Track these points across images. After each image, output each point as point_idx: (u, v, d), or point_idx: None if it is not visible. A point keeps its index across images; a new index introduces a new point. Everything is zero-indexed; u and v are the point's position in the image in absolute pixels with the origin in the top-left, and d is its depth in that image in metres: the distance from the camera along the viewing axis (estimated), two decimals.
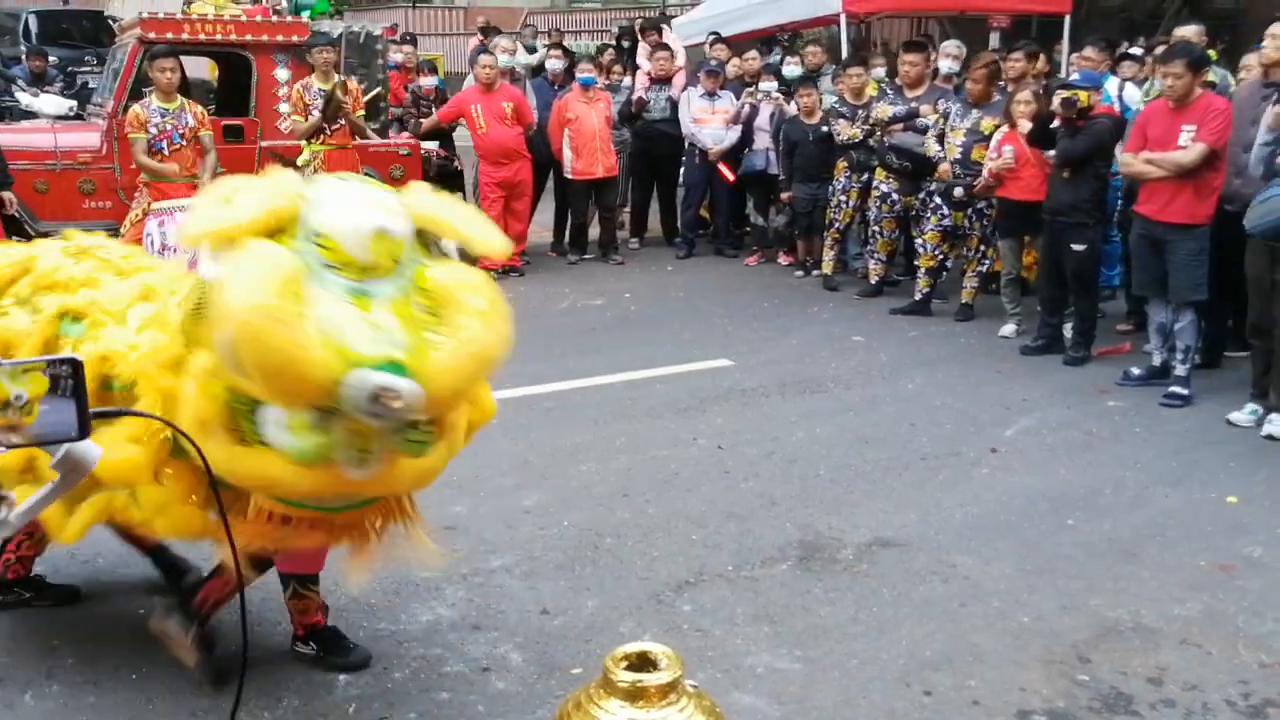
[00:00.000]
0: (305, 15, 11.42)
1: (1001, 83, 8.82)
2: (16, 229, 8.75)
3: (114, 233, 8.69)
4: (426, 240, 2.96)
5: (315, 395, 2.62)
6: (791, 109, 10.62)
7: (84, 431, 1.22)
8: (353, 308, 2.68)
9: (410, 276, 2.82)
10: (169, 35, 9.09)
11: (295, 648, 3.90)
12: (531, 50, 13.74)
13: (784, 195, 10.61)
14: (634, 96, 11.58)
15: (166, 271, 3.59)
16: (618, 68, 12.25)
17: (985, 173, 8.30)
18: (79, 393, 1.21)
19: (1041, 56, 9.82)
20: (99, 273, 3.59)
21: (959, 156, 8.62)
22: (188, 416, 2.86)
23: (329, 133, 9.18)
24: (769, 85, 10.93)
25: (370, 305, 2.71)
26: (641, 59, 12.60)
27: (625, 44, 14.70)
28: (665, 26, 15.04)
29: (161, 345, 3.10)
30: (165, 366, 3.04)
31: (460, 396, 2.87)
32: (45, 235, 8.84)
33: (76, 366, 1.21)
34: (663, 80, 11.68)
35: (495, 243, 3.00)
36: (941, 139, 8.79)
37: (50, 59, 16.63)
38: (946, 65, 9.69)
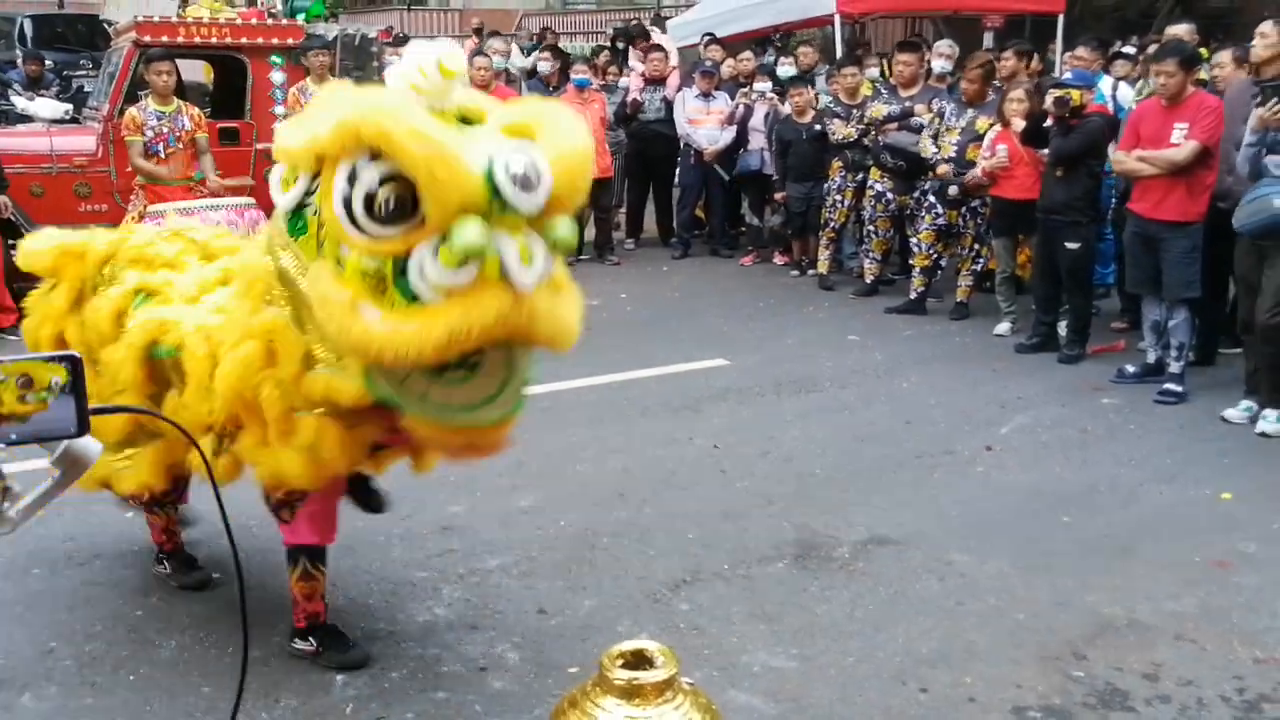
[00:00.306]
0: (300, 18, 11.42)
1: (996, 82, 8.85)
2: (13, 233, 8.75)
3: None
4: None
5: (471, 182, 2.68)
6: (786, 109, 10.64)
7: (83, 428, 1.23)
8: (459, 133, 2.82)
9: (497, 129, 2.92)
10: (164, 38, 9.08)
11: (293, 645, 3.90)
12: (527, 52, 13.75)
13: (778, 195, 10.63)
14: (629, 98, 11.59)
15: (245, 253, 3.67)
16: (613, 69, 12.26)
17: (979, 171, 8.33)
18: (78, 390, 1.22)
19: (1035, 56, 9.83)
20: (185, 255, 3.80)
21: (954, 155, 8.64)
22: (329, 309, 2.87)
23: None
24: (763, 86, 10.95)
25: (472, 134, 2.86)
26: (634, 62, 12.62)
27: (620, 45, 14.71)
28: (656, 29, 15.05)
29: (222, 324, 3.36)
30: (222, 341, 3.31)
31: (578, 184, 2.89)
32: None
33: (75, 363, 1.22)
34: (657, 81, 11.70)
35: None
36: (936, 138, 8.81)
37: (46, 63, 16.62)
38: (940, 65, 9.71)
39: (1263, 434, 6.24)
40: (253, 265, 3.36)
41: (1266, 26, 6.56)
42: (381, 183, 2.75)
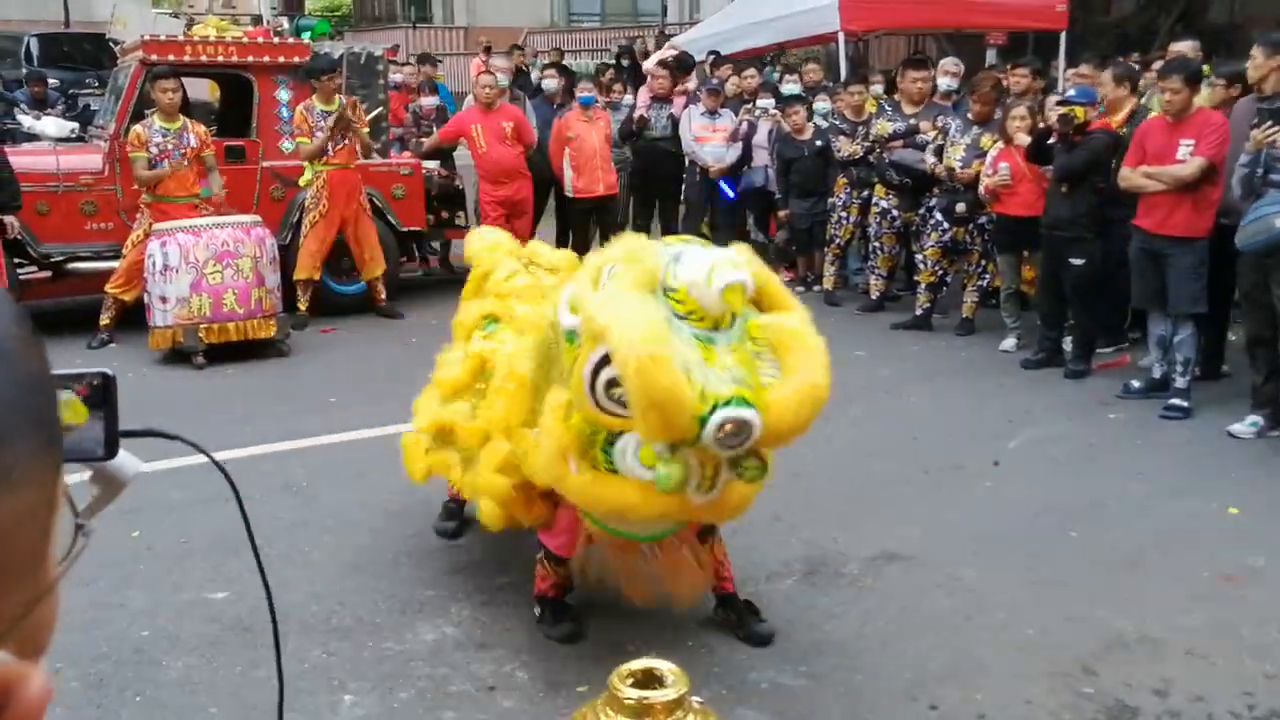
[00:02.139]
0: (306, 37, 11.47)
1: (1006, 99, 8.87)
2: (19, 252, 8.78)
3: (115, 254, 8.75)
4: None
5: (683, 428, 2.96)
6: (787, 127, 10.67)
7: (110, 452, 1.22)
8: (699, 353, 3.02)
9: (744, 326, 3.14)
10: (171, 57, 9.11)
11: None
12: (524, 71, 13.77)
13: (781, 213, 10.64)
14: (635, 114, 11.61)
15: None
16: (617, 86, 12.28)
17: (981, 189, 8.34)
18: (109, 410, 1.20)
19: (1039, 74, 9.86)
20: (528, 290, 4.38)
21: (959, 169, 8.64)
22: (547, 445, 3.40)
23: (332, 153, 9.20)
24: (766, 102, 10.96)
25: (714, 351, 3.05)
26: (650, 64, 12.63)
27: (624, 63, 14.74)
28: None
29: (521, 363, 3.84)
30: (516, 383, 3.82)
31: (795, 429, 3.14)
32: (47, 258, 8.92)
33: (109, 381, 1.20)
34: (663, 99, 11.72)
35: (803, 311, 3.31)
36: (940, 154, 8.82)
37: (51, 82, 16.67)
38: (945, 83, 9.72)
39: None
40: (543, 327, 3.69)
41: (1256, 49, 6.59)
42: (616, 385, 3.07)
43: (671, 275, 3.09)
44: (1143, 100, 9.04)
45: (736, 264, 3.13)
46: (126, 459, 1.26)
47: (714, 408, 2.93)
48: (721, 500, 3.29)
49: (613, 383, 3.06)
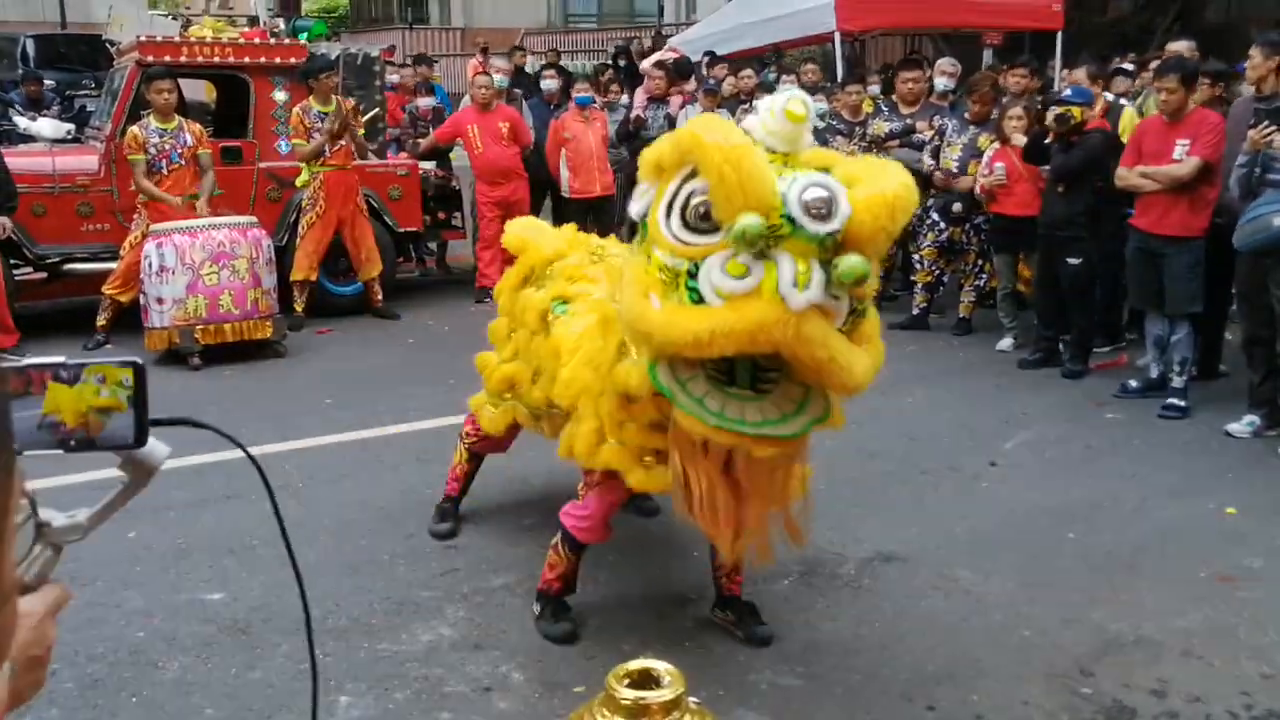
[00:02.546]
0: (303, 38, 11.46)
1: (1003, 99, 8.88)
2: (15, 253, 8.77)
3: (112, 255, 8.73)
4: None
5: (766, 196, 2.89)
6: None
7: (140, 440, 1.22)
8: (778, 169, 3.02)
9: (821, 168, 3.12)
10: (167, 58, 9.10)
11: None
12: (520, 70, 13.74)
13: None
14: (632, 114, 11.60)
15: None
16: (614, 87, 12.27)
17: (977, 188, 8.34)
18: (139, 398, 1.20)
19: (1035, 74, 9.87)
20: (601, 275, 4.26)
21: (955, 171, 8.66)
22: (629, 290, 3.20)
23: (329, 154, 9.20)
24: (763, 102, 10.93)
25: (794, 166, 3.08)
26: (647, 65, 12.61)
27: (621, 63, 14.71)
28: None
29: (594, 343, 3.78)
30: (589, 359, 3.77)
31: (880, 224, 2.96)
32: (43, 259, 8.90)
33: (139, 371, 1.20)
34: (659, 99, 11.71)
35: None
36: (937, 154, 8.82)
37: (47, 83, 16.65)
38: (942, 83, 9.73)
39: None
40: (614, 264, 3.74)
41: (1255, 50, 6.59)
42: (697, 195, 3.05)
43: (743, 127, 3.15)
44: (1138, 100, 9.06)
45: (796, 98, 3.18)
46: (155, 446, 1.27)
47: (790, 186, 2.93)
48: (821, 337, 2.98)
49: (685, 207, 3.06)
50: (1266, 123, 6.08)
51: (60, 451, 1.20)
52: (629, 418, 3.64)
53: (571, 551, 4.12)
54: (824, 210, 2.89)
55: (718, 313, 2.97)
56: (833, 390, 3.22)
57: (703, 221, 3.03)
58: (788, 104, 3.10)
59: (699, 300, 3.02)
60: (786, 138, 3.12)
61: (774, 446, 3.27)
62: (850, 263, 2.91)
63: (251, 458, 1.49)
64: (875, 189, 2.98)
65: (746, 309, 2.94)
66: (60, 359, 1.18)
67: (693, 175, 3.07)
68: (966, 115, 8.84)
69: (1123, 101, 9.02)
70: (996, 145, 8.26)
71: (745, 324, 2.94)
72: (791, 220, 2.89)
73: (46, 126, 11.16)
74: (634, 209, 3.29)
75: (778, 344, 2.97)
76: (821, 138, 9.91)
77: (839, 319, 3.07)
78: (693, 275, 3.04)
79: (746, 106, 11.16)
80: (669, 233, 3.09)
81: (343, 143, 9.25)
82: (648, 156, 3.26)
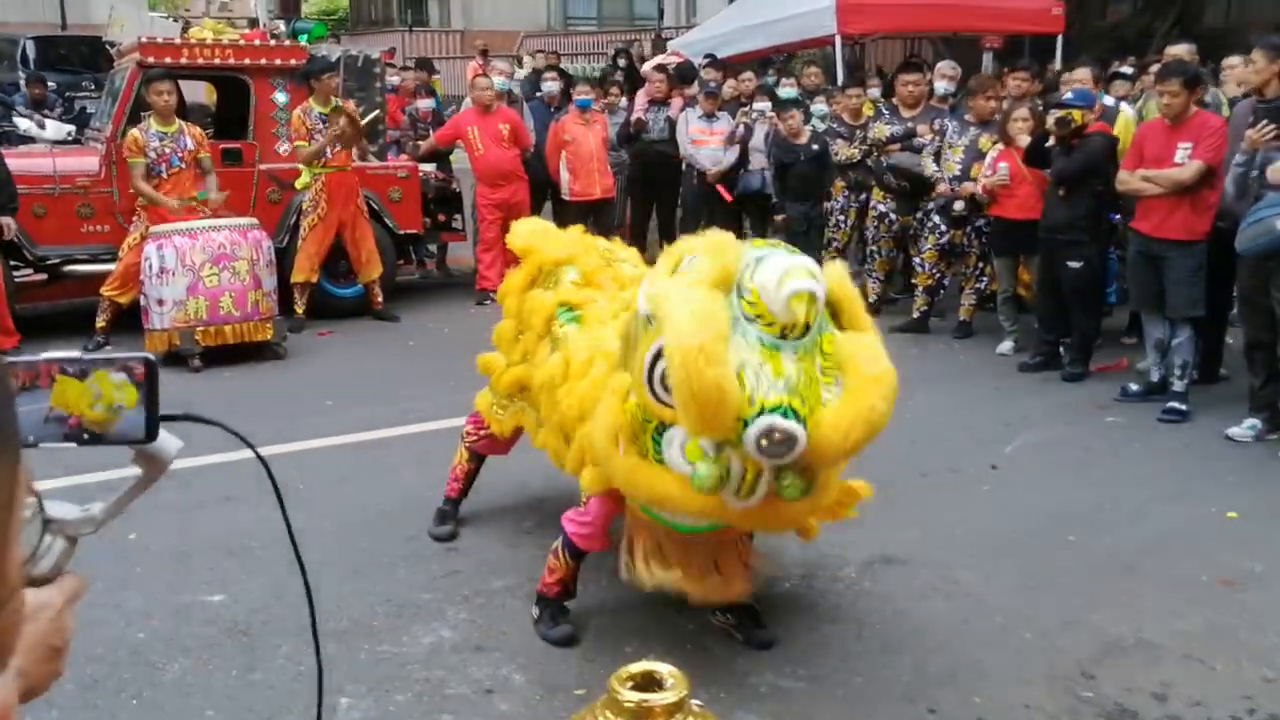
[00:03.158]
0: (303, 39, 11.45)
1: (1003, 99, 8.88)
2: (15, 254, 8.76)
3: (112, 257, 8.73)
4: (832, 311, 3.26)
5: (723, 427, 2.95)
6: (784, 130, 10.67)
7: (151, 434, 1.22)
8: (761, 358, 3.00)
9: (817, 339, 3.11)
10: (167, 60, 9.10)
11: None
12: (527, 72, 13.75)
13: (778, 218, 10.63)
14: (633, 117, 11.60)
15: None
16: (614, 89, 12.27)
17: (980, 188, 8.34)
18: (150, 393, 1.20)
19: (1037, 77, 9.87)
20: (608, 282, 4.34)
21: (958, 174, 8.66)
22: (601, 424, 3.43)
23: (329, 156, 9.20)
24: (763, 105, 10.95)
25: (779, 358, 3.02)
26: (648, 69, 12.59)
27: (621, 64, 14.71)
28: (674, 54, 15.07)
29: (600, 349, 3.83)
30: (590, 371, 3.81)
31: (843, 453, 3.10)
32: (43, 260, 8.90)
33: (150, 366, 1.20)
34: (660, 102, 11.71)
35: (874, 332, 3.33)
36: (938, 157, 8.82)
37: (49, 84, 16.65)
38: (943, 86, 9.71)
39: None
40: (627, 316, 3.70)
41: (1256, 54, 6.59)
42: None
43: (749, 276, 3.07)
44: (1139, 104, 9.06)
45: (811, 273, 3.10)
46: (167, 440, 1.27)
47: (760, 413, 2.91)
48: (764, 511, 3.24)
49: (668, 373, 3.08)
50: (1265, 122, 6.08)
51: (72, 445, 1.20)
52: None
53: (571, 557, 4.12)
54: (780, 452, 2.97)
55: (673, 487, 3.23)
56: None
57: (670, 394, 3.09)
58: (795, 292, 3.01)
59: (661, 459, 3.27)
60: (783, 315, 3.04)
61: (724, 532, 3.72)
62: (793, 489, 3.10)
63: (259, 455, 1.49)
64: (845, 421, 3.01)
65: (698, 496, 3.17)
66: (74, 354, 1.19)
67: None
68: (967, 117, 8.84)
69: (1123, 106, 9.03)
70: (1000, 146, 8.26)
71: (694, 507, 3.25)
72: (748, 452, 2.99)
73: (47, 128, 11.16)
74: (641, 306, 3.27)
75: (728, 521, 3.38)
76: (822, 140, 9.94)
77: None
78: (660, 432, 3.25)
79: (747, 109, 11.18)
80: (648, 386, 3.19)
81: (339, 147, 9.24)
82: (657, 291, 3.18)
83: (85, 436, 1.20)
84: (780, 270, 3.03)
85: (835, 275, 3.26)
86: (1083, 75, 8.65)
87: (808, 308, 3.04)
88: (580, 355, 3.94)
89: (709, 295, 3.02)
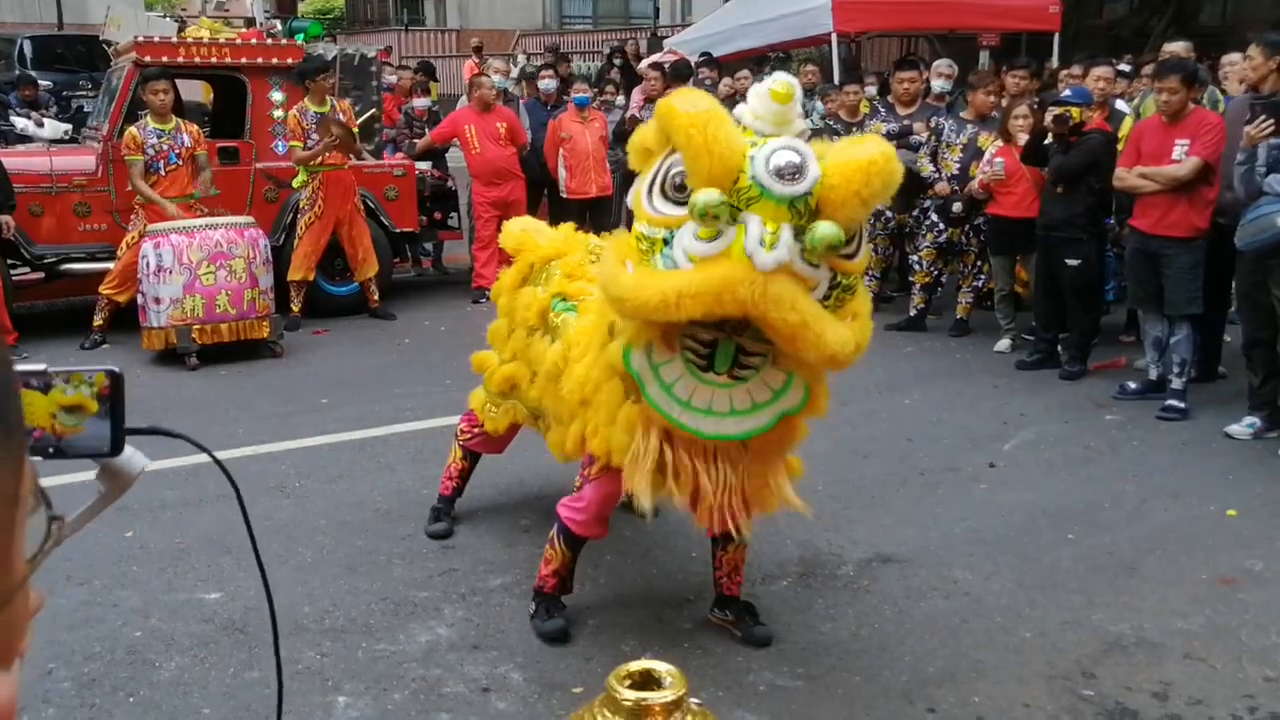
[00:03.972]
0: (299, 38, 11.44)
1: (1002, 95, 8.87)
2: (12, 253, 8.74)
3: (109, 255, 8.71)
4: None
5: (733, 160, 2.96)
6: None
7: (116, 448, 1.20)
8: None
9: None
10: (164, 59, 9.07)
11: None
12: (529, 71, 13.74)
13: None
14: (628, 116, 11.59)
15: None
16: (610, 88, 12.25)
17: (976, 183, 8.32)
18: (116, 407, 1.19)
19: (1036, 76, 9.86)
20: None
21: (956, 172, 8.64)
22: (609, 258, 3.31)
23: (326, 155, 9.18)
24: None
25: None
26: (645, 67, 12.58)
27: (617, 63, 14.68)
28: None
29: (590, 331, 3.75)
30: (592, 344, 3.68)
31: (854, 189, 2.96)
32: (40, 259, 8.87)
33: (116, 379, 1.19)
34: (656, 100, 11.67)
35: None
36: (935, 157, 8.80)
37: (42, 84, 16.61)
38: (940, 84, 9.70)
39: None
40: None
41: (1254, 49, 6.59)
42: (675, 166, 3.11)
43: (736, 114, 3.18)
44: (1135, 102, 9.06)
45: (781, 80, 3.17)
46: (133, 455, 1.25)
47: (757, 151, 2.98)
48: (790, 300, 2.96)
49: (665, 180, 3.13)
50: (1264, 118, 6.07)
51: (38, 459, 1.18)
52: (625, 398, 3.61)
53: (567, 546, 4.10)
54: (793, 173, 2.93)
55: (685, 274, 3.01)
56: (807, 359, 3.16)
57: (678, 192, 3.09)
58: (772, 84, 3.12)
59: (673, 266, 3.08)
60: (774, 119, 3.13)
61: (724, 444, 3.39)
62: (822, 229, 2.93)
63: (222, 466, 1.47)
64: (849, 154, 3.00)
65: (713, 269, 2.98)
66: (40, 367, 1.17)
67: (674, 151, 3.13)
68: (964, 114, 8.82)
69: (1119, 104, 9.02)
70: (1000, 142, 8.24)
71: (711, 283, 2.95)
72: (761, 184, 2.94)
73: (48, 129, 11.15)
74: (629, 198, 3.32)
75: (744, 304, 2.97)
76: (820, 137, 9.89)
77: (819, 290, 3.09)
78: (668, 243, 3.10)
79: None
80: (649, 205, 3.17)
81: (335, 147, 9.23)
82: (635, 142, 3.32)
83: (50, 450, 1.18)
84: (762, 83, 3.18)
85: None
86: (1103, 73, 8.58)
87: (788, 98, 3.12)
88: (581, 336, 3.88)
89: (698, 95, 3.18)
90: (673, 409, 3.26)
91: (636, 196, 3.25)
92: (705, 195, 2.92)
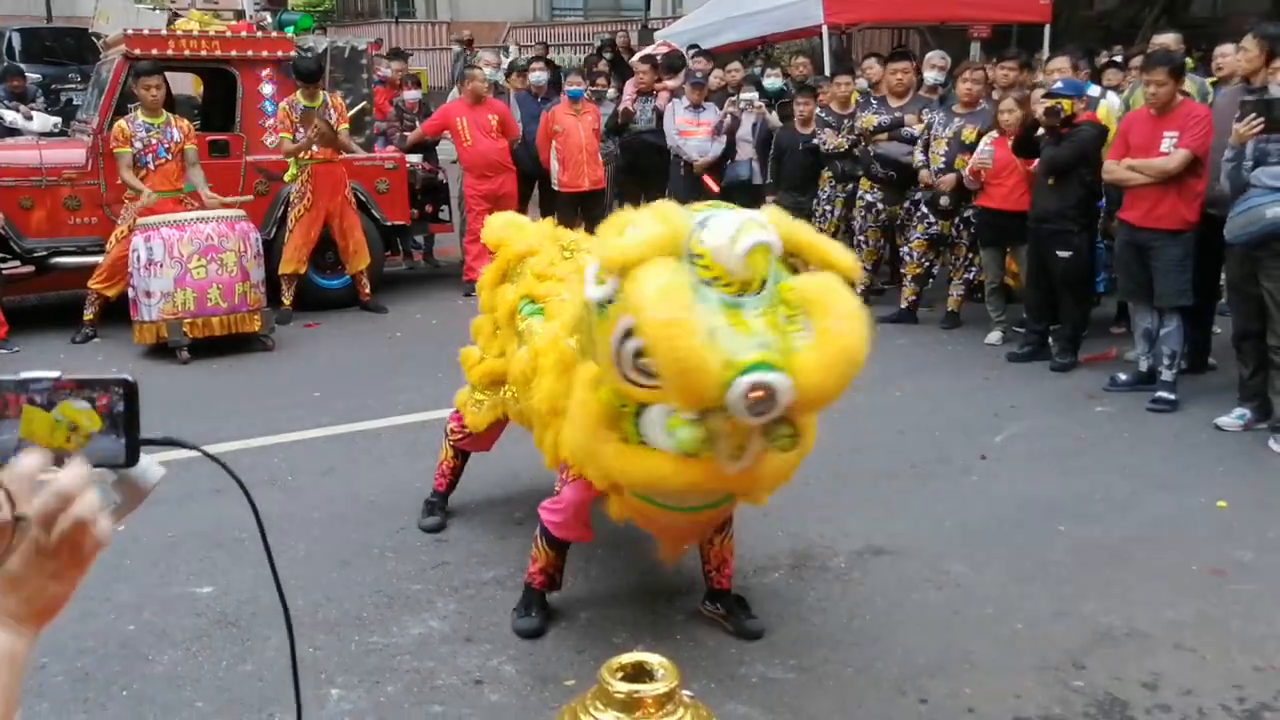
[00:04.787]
0: (289, 31, 11.39)
1: (990, 90, 8.87)
2: (2, 246, 8.72)
3: (99, 249, 8.69)
4: (786, 258, 3.20)
5: (706, 395, 2.90)
6: (774, 118, 10.65)
7: (131, 459, 1.20)
8: (725, 318, 2.94)
9: (774, 290, 3.05)
10: (154, 51, 9.05)
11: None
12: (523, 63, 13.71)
13: (769, 198, 10.62)
14: (620, 108, 11.57)
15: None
16: (600, 80, 12.24)
17: (966, 171, 8.32)
18: (130, 418, 1.18)
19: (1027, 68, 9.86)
20: (569, 274, 4.23)
21: (942, 165, 8.65)
22: (578, 421, 3.41)
23: (315, 149, 9.16)
24: (750, 95, 10.91)
25: (741, 316, 2.96)
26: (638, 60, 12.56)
27: (608, 55, 14.67)
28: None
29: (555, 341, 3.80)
30: (554, 363, 3.74)
31: (829, 394, 3.00)
32: (30, 253, 8.85)
33: (130, 389, 1.18)
34: (647, 92, 11.67)
35: (850, 262, 3.22)
36: (928, 148, 8.81)
37: (30, 77, 16.51)
38: (933, 76, 9.70)
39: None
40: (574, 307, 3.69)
41: (1249, 41, 6.59)
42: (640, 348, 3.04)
43: (698, 240, 3.01)
44: (1125, 94, 9.06)
45: (762, 225, 3.06)
46: (149, 466, 1.24)
47: (740, 374, 2.86)
48: (757, 471, 3.22)
49: (639, 352, 3.03)
50: (1253, 115, 6.08)
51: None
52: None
53: (549, 546, 4.11)
54: (766, 408, 2.91)
55: (665, 465, 3.18)
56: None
57: (646, 373, 3.07)
58: (752, 246, 2.96)
59: (643, 441, 3.23)
60: (742, 272, 2.99)
61: (696, 518, 3.68)
62: (787, 437, 3.05)
63: (237, 479, 1.47)
64: (826, 362, 2.94)
65: (690, 468, 3.15)
66: (34, 374, 1.16)
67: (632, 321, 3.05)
68: (955, 108, 8.82)
69: (1109, 95, 9.02)
70: (995, 133, 8.24)
71: (686, 479, 3.19)
72: (735, 412, 2.93)
73: (37, 122, 11.10)
74: (591, 294, 3.22)
75: (730, 488, 3.35)
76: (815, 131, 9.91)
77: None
78: (638, 414, 3.22)
79: (734, 98, 11.14)
80: (619, 369, 3.15)
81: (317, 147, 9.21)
82: (613, 257, 3.09)
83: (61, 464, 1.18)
84: (731, 228, 2.99)
85: (783, 222, 3.22)
86: (1060, 64, 8.62)
87: (765, 260, 3.01)
88: (544, 347, 3.91)
89: (669, 266, 2.97)
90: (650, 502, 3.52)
91: (605, 349, 3.16)
92: (683, 439, 3.07)
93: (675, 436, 3.07)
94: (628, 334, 3.05)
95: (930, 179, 8.70)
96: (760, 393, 2.85)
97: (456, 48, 17.26)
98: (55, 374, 1.16)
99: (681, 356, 2.84)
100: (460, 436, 4.97)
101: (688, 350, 2.84)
